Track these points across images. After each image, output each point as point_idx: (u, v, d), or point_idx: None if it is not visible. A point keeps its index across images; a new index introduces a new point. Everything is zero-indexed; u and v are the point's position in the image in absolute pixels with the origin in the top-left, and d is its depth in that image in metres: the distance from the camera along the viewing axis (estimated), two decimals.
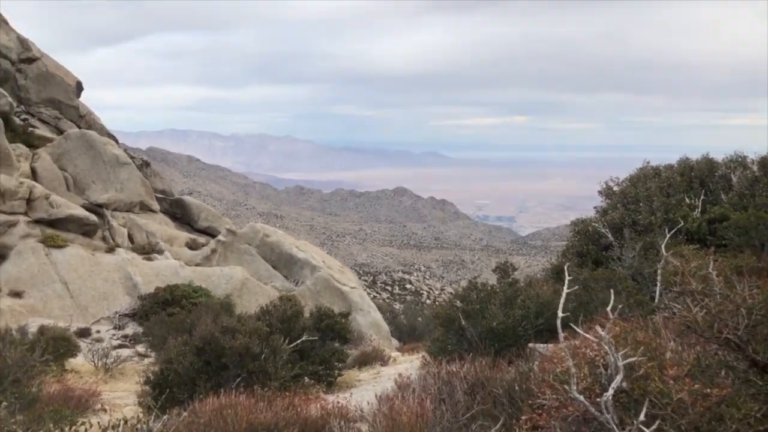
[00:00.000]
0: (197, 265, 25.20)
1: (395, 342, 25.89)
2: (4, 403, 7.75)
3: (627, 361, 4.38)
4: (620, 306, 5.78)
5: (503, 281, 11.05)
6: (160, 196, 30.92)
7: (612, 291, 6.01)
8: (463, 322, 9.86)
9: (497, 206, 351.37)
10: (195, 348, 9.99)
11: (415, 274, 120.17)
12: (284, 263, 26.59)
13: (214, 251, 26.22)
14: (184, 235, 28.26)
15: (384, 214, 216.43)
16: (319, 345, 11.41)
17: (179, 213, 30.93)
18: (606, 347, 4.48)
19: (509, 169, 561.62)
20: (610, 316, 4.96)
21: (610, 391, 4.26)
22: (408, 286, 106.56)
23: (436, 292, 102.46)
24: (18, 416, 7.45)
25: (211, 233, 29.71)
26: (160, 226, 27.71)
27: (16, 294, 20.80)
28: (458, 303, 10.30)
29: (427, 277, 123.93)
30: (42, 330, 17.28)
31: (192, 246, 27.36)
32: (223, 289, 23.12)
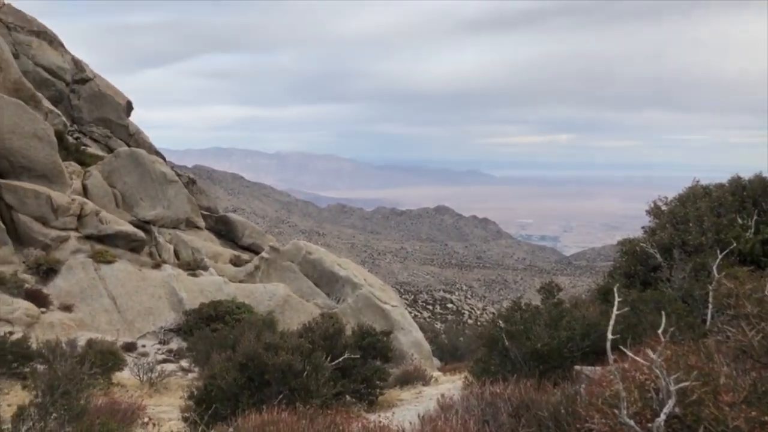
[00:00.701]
0: (241, 281, 25.51)
1: (436, 362, 25.67)
2: (54, 415, 7.92)
3: (679, 385, 4.24)
4: (671, 329, 5.61)
5: (548, 301, 10.86)
6: (205, 213, 31.48)
7: (662, 313, 5.85)
8: (507, 343, 9.70)
9: (541, 225, 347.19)
10: (238, 364, 10.07)
11: (456, 294, 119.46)
12: (326, 281, 26.70)
13: (257, 268, 26.50)
14: (229, 252, 28.67)
15: (425, 232, 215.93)
16: (360, 363, 11.37)
17: (224, 230, 31.43)
18: (657, 371, 4.34)
19: (553, 188, 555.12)
20: (661, 338, 4.82)
21: (662, 417, 4.12)
22: (449, 305, 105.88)
23: (478, 312, 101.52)
24: (67, 428, 7.60)
25: (254, 250, 30.08)
26: (205, 242, 28.18)
27: (66, 308, 21.33)
28: (501, 323, 10.16)
29: (469, 296, 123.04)
30: (90, 343, 17.68)
31: (236, 262, 27.72)
32: (266, 306, 23.32)
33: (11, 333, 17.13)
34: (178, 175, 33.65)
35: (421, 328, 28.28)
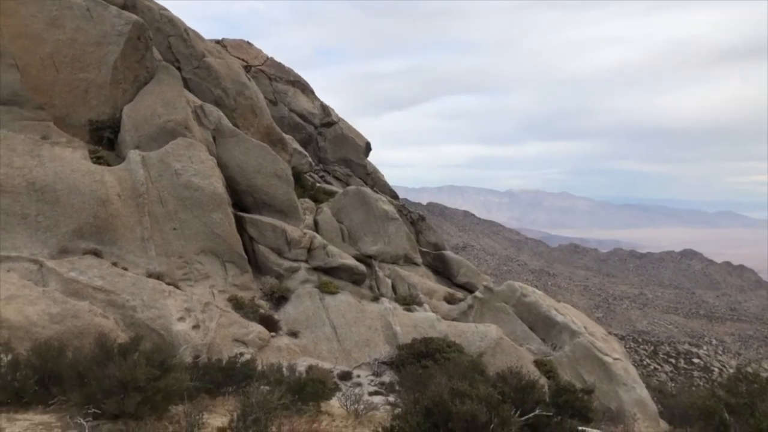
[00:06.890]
0: (453, 319, 25.41)
1: (664, 424, 23.04)
2: None
3: None
4: None
5: None
6: (424, 250, 32.16)
7: None
8: (727, 417, 8.27)
9: None
10: (424, 408, 9.86)
11: (704, 348, 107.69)
12: (541, 325, 25.52)
13: (470, 307, 26.24)
14: (443, 289, 28.83)
15: (668, 278, 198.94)
16: (555, 421, 10.49)
17: (440, 267, 31.80)
18: None
19: None
20: None
21: None
22: (696, 360, 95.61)
23: (730, 371, 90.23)
24: None
25: (468, 289, 29.93)
26: (421, 278, 28.67)
27: (293, 334, 22.97)
28: (722, 393, 8.72)
29: (720, 352, 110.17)
30: (309, 370, 18.77)
31: (449, 300, 27.76)
32: (477, 347, 22.90)
33: (242, 354, 18.90)
34: (409, 211, 34.98)
35: (648, 386, 25.66)
